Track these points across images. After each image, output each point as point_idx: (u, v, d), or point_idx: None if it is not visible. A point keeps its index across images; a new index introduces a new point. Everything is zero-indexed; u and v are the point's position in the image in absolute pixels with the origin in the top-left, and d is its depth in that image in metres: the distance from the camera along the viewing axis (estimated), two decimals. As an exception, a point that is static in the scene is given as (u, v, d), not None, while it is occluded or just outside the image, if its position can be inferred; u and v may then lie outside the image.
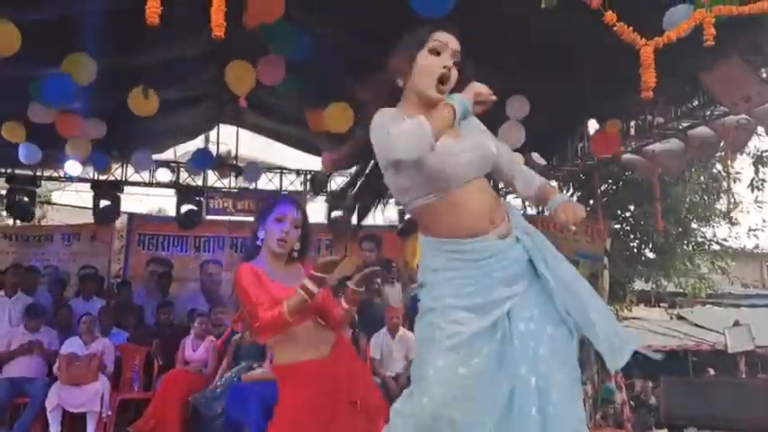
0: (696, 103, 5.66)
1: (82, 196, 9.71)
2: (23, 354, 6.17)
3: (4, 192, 9.07)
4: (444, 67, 1.94)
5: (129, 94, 5.86)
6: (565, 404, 1.84)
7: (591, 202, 9.62)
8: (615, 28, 3.18)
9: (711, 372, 10.17)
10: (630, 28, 3.17)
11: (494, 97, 1.92)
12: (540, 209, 10.62)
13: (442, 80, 1.94)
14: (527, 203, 10.42)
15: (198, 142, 9.60)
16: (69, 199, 11.24)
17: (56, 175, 8.73)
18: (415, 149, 1.77)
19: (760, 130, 6.08)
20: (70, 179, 8.74)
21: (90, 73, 5.38)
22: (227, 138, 9.29)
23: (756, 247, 13.19)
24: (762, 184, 8.90)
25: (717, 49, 3.57)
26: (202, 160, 8.49)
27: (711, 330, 11.80)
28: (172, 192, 9.13)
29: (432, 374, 1.88)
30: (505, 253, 1.95)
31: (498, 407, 1.84)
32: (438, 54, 1.95)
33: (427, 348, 1.93)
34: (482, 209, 1.97)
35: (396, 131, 1.79)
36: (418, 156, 1.78)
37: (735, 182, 9.59)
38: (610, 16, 3.18)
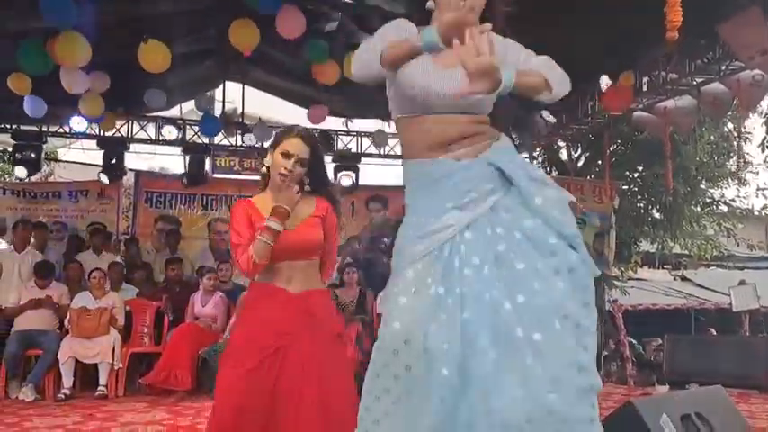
0: (710, 57, 5.56)
1: (88, 153, 9.68)
2: (33, 308, 6.25)
3: (9, 148, 9.02)
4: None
5: (137, 50, 5.78)
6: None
7: (599, 162, 9.57)
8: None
9: (713, 332, 10.26)
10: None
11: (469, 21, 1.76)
12: (549, 169, 10.61)
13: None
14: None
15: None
16: (75, 156, 11.22)
17: (61, 131, 8.70)
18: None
19: (773, 88, 5.99)
20: (76, 135, 8.71)
21: (83, 54, 5.33)
22: (233, 95, 9.21)
23: (764, 207, 13.15)
24: (773, 145, 8.82)
25: (735, 1, 3.50)
26: (210, 127, 8.45)
27: (715, 291, 11.86)
28: (178, 150, 9.09)
29: (393, 302, 1.87)
30: (460, 173, 1.88)
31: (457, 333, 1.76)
32: None
33: (393, 275, 1.94)
34: (442, 137, 1.92)
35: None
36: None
37: (745, 142, 9.49)
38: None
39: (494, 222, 1.86)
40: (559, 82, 1.94)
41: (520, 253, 1.81)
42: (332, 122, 9.47)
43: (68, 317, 6.20)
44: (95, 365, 6.10)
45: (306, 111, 9.01)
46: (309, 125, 9.55)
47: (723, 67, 5.60)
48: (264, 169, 2.58)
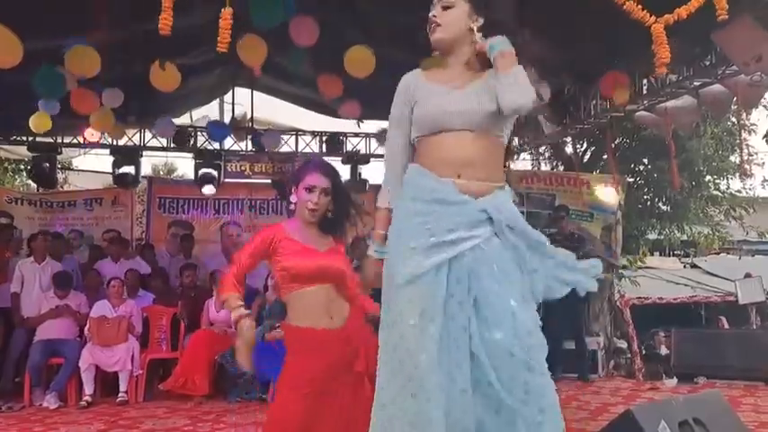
0: (708, 62, 5.63)
1: (102, 160, 9.88)
2: (53, 317, 6.43)
3: (26, 159, 9.24)
4: (430, 18, 2.19)
5: (147, 67, 5.94)
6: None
7: (605, 156, 9.65)
8: (624, 7, 3.20)
9: (724, 320, 10.32)
10: (639, 6, 3.19)
11: None
12: (555, 164, 10.68)
13: (428, 28, 2.20)
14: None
15: (214, 105, 9.67)
16: (90, 164, 11.45)
17: (75, 141, 8.89)
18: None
19: (775, 83, 6.04)
20: (91, 145, 8.90)
21: (93, 66, 5.49)
22: (242, 99, 9.36)
23: (770, 196, 13.14)
24: (777, 136, 8.87)
25: (729, 10, 3.58)
26: (218, 131, 8.61)
27: (726, 279, 11.90)
28: (190, 155, 9.26)
29: (388, 311, 2.09)
30: (455, 207, 2.04)
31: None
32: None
33: (386, 281, 2.13)
34: (454, 158, 2.07)
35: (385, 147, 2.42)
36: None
37: (750, 133, 9.51)
38: (619, -5, 3.21)
39: (470, 261, 2.02)
40: (514, 85, 2.05)
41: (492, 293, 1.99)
42: (341, 125, 9.58)
43: (88, 325, 6.37)
44: (115, 372, 6.28)
45: (312, 113, 9.18)
46: (318, 128, 9.72)
47: (720, 71, 5.67)
48: (292, 206, 2.77)
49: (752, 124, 9.36)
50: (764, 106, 9.05)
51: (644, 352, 8.23)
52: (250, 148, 9.17)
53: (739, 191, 11.16)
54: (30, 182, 9.06)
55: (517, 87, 2.01)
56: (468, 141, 2.07)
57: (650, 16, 3.12)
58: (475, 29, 2.14)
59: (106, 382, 6.46)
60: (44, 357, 6.29)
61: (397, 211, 2.15)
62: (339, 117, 8.77)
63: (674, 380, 7.12)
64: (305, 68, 7.20)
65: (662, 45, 2.99)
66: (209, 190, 8.90)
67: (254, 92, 8.99)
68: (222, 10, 2.91)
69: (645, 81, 6.39)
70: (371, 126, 9.72)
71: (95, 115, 6.76)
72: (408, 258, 2.01)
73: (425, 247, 2.00)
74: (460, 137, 2.07)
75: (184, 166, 11.49)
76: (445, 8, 2.16)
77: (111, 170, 8.92)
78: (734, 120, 9.61)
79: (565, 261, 2.13)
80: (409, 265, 2.00)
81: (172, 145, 9.03)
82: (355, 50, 6.10)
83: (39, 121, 6.50)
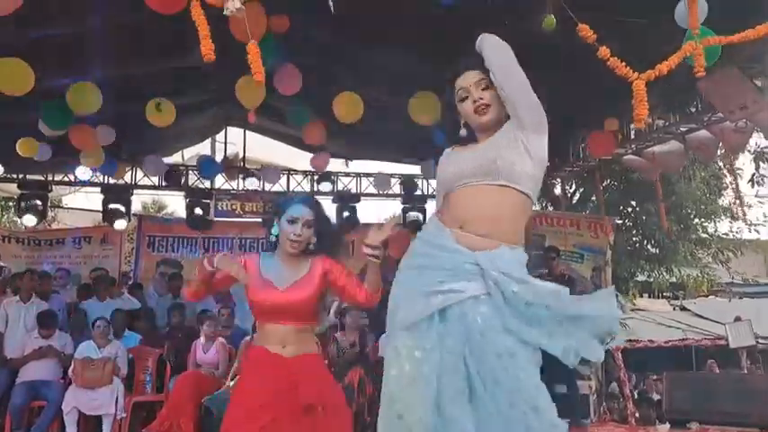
0: (694, 109, 5.74)
1: (91, 198, 9.86)
2: (37, 358, 6.30)
3: (15, 197, 9.19)
4: (474, 102, 2.15)
5: (144, 107, 6.01)
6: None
7: (593, 198, 9.74)
8: (608, 62, 3.29)
9: (713, 363, 10.29)
10: (623, 62, 3.28)
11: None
12: (544, 204, 10.75)
13: (476, 111, 2.15)
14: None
15: (206, 144, 9.72)
16: (79, 202, 11.41)
17: (66, 179, 8.88)
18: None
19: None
20: (81, 183, 8.89)
21: (95, 103, 5.55)
22: (235, 138, 9.42)
23: (757, 240, 13.26)
24: (762, 180, 8.98)
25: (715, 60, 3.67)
26: (209, 168, 8.64)
27: (714, 321, 11.90)
28: (181, 194, 9.26)
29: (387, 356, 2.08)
30: (447, 255, 2.03)
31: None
32: (466, 95, 2.17)
33: (387, 336, 2.15)
34: (459, 212, 2.08)
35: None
36: None
37: (736, 177, 9.64)
38: (604, 51, 3.29)
39: (459, 318, 1.99)
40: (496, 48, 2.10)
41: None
42: (331, 164, 9.65)
43: (72, 367, 6.24)
44: (99, 416, 6.13)
45: (305, 153, 9.23)
46: (310, 167, 9.77)
47: (706, 117, 5.78)
48: (273, 238, 2.75)
49: (738, 168, 9.50)
50: (749, 151, 9.19)
51: (636, 396, 8.17)
52: (241, 187, 9.19)
53: (726, 234, 11.26)
54: (17, 218, 8.98)
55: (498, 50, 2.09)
56: (476, 196, 2.06)
57: (633, 72, 3.20)
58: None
59: (89, 426, 6.29)
60: (26, 400, 6.13)
61: (410, 248, 2.19)
62: (332, 157, 8.87)
63: (667, 425, 7.03)
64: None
65: (641, 102, 3.07)
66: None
67: (247, 131, 9.06)
68: (248, 45, 2.94)
69: (632, 126, 6.49)
70: (360, 166, 9.82)
71: (87, 153, 6.77)
72: (408, 300, 2.04)
73: (421, 291, 2.02)
74: (469, 192, 2.07)
75: (174, 203, 11.49)
76: (485, 89, 2.12)
77: (100, 208, 8.89)
78: (720, 164, 9.75)
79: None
80: (406, 308, 2.03)
81: (163, 183, 9.03)
82: (344, 96, 6.22)
83: (26, 146, 6.47)
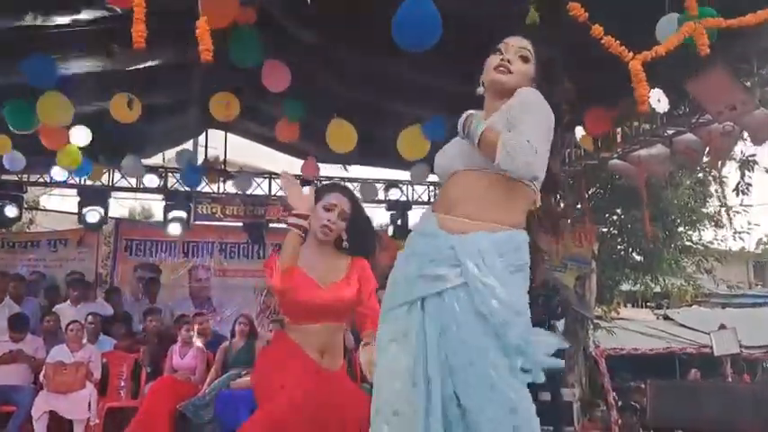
0: (682, 111, 5.70)
1: (68, 200, 9.66)
2: (7, 362, 6.13)
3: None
4: (501, 59, 2.05)
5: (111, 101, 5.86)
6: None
7: (578, 206, 9.68)
8: (602, 41, 3.19)
9: (697, 372, 10.26)
10: (618, 42, 3.18)
11: None
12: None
13: (497, 68, 2.05)
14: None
15: (187, 147, 9.54)
16: (55, 204, 11.18)
17: (42, 180, 8.67)
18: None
19: (745, 134, 6.13)
20: (57, 184, 8.69)
21: (65, 116, 5.41)
22: (216, 141, 9.26)
23: (742, 249, 13.33)
24: (747, 189, 8.98)
25: (703, 59, 3.60)
26: (191, 176, 8.48)
27: (698, 331, 11.91)
28: (160, 197, 9.08)
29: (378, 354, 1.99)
30: (426, 240, 1.95)
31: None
32: (500, 52, 2.08)
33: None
34: (446, 196, 2.03)
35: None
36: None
37: (721, 185, 9.66)
38: (597, 30, 3.19)
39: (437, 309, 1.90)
40: (508, 153, 1.82)
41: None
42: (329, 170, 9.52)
43: (43, 371, 6.06)
44: (70, 422, 5.95)
45: (287, 156, 9.12)
46: (293, 171, 9.62)
47: (694, 120, 5.74)
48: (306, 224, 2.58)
49: (723, 176, 9.52)
50: (734, 159, 9.19)
51: (619, 404, 8.10)
52: (222, 190, 9.03)
53: (711, 242, 11.27)
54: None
55: (511, 150, 1.83)
56: (464, 181, 1.99)
57: (628, 53, 3.10)
58: None
59: (60, 432, 6.11)
60: (-5, 405, 5.96)
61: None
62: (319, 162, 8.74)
63: (651, 434, 6.97)
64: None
65: (641, 82, 2.96)
66: (174, 230, 8.67)
67: (229, 134, 8.92)
68: (198, 21, 2.80)
69: (619, 129, 6.45)
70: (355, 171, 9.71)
71: (62, 152, 6.60)
72: (392, 287, 1.99)
73: (405, 279, 1.96)
74: (459, 177, 2.01)
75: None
76: (522, 59, 2.06)
77: (76, 210, 8.69)
78: (707, 170, 9.76)
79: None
80: (390, 295, 1.98)
81: (141, 185, 8.84)
82: (336, 124, 6.20)
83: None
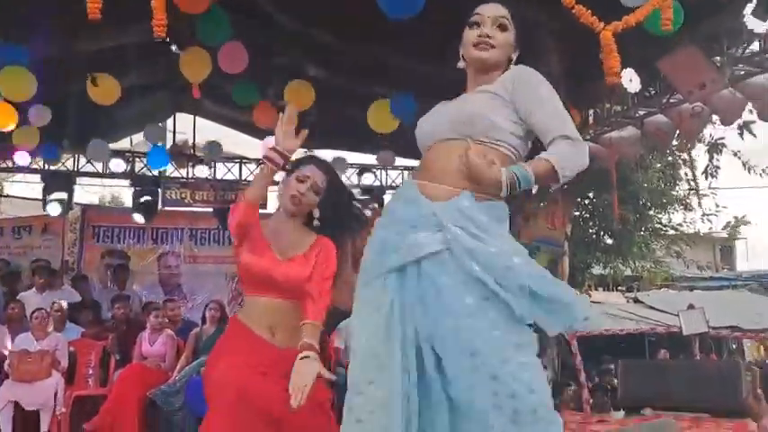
0: (653, 91, 5.73)
1: (33, 187, 9.42)
2: (-33, 352, 5.99)
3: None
4: (479, 35, 1.98)
5: (83, 84, 5.69)
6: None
7: (551, 189, 9.73)
8: (573, 10, 3.15)
9: (666, 352, 10.43)
10: (589, 11, 3.15)
11: None
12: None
13: (477, 45, 1.99)
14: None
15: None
16: (19, 190, 10.90)
17: (4, 165, 8.44)
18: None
19: (714, 118, 6.20)
20: (20, 169, 8.46)
21: (29, 89, 5.23)
22: (185, 126, 9.10)
23: (710, 231, 13.55)
24: (716, 171, 9.11)
25: (674, 38, 3.60)
26: (157, 158, 8.30)
27: (667, 313, 12.11)
28: (126, 182, 8.90)
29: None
30: (406, 206, 1.90)
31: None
32: (477, 25, 2.00)
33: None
34: (429, 165, 1.97)
35: None
36: None
37: (690, 168, 9.79)
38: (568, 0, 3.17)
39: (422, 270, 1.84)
40: (568, 160, 1.94)
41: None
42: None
43: (7, 360, 5.91)
44: (36, 412, 5.81)
45: (258, 141, 8.97)
46: (258, 155, 9.50)
47: (664, 100, 5.77)
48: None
49: (693, 159, 9.65)
50: (703, 143, 9.32)
51: (591, 384, 8.19)
52: (191, 175, 8.87)
53: (680, 224, 11.44)
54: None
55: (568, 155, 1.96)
56: (446, 148, 1.93)
57: (599, 22, 3.07)
58: (513, 59, 2.02)
59: (26, 423, 5.95)
60: (-44, 396, 5.79)
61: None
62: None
63: (622, 412, 7.05)
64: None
65: (611, 53, 2.94)
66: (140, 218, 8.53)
67: (197, 118, 8.76)
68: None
69: (591, 111, 6.47)
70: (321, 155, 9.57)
71: (19, 132, 6.39)
72: (369, 257, 1.92)
73: (382, 247, 1.89)
74: (442, 146, 1.95)
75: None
76: (501, 28, 1.98)
77: (41, 197, 8.48)
78: (677, 153, 9.88)
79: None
80: (367, 266, 1.91)
81: (108, 171, 8.65)
82: (295, 84, 6.07)
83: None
